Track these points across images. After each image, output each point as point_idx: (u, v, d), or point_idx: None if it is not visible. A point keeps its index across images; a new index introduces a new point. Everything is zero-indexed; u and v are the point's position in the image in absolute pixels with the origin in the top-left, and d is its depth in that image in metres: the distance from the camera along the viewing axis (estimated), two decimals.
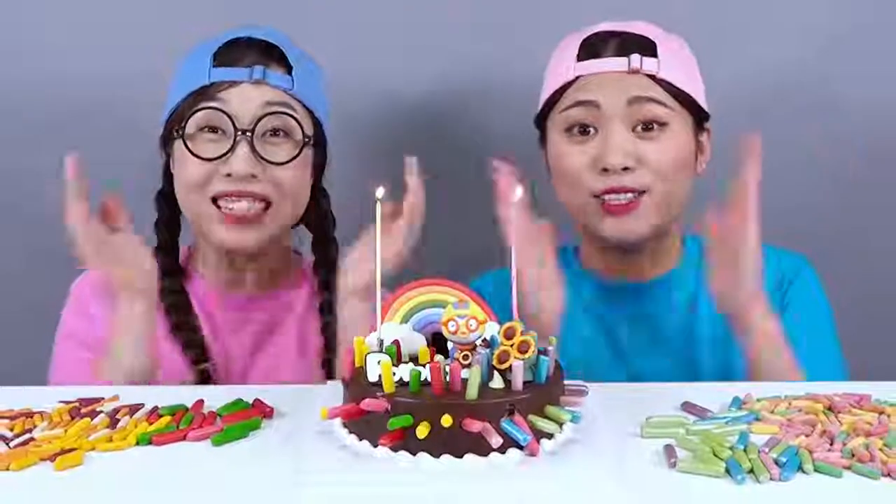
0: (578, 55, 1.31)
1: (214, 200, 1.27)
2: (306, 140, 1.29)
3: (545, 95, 1.35)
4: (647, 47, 1.29)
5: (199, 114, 1.26)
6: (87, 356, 1.26)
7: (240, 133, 1.25)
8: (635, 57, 1.28)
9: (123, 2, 1.66)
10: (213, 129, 1.27)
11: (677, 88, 1.30)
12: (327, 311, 1.33)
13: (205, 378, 1.29)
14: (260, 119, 1.26)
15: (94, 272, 1.28)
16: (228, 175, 1.26)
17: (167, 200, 1.35)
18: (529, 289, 1.14)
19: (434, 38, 1.65)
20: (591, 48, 1.31)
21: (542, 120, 1.36)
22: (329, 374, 1.30)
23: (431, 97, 1.68)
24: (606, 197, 1.28)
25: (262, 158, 1.26)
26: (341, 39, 1.61)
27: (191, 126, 1.27)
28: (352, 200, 1.17)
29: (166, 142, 1.33)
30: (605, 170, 1.27)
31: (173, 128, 1.29)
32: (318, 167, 1.35)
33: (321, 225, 1.38)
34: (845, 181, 1.66)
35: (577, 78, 1.30)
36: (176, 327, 1.31)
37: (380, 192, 0.95)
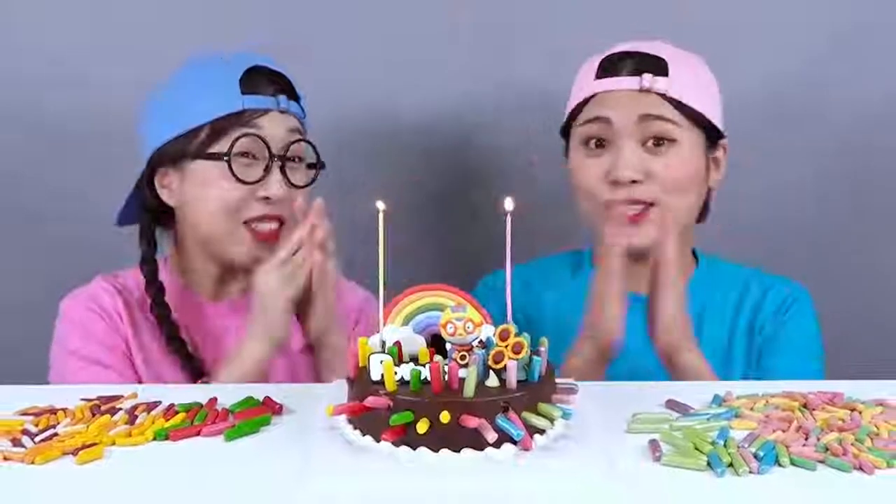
0: (597, 73, 1.32)
1: (246, 222, 1.28)
2: (321, 165, 1.31)
3: (568, 110, 1.37)
4: (660, 67, 1.30)
5: (241, 140, 1.26)
6: (98, 369, 1.26)
7: (274, 158, 1.26)
8: (647, 76, 1.29)
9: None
10: (245, 154, 1.27)
11: (688, 106, 1.30)
12: None
13: None
14: (289, 146, 1.28)
15: (82, 292, 1.31)
16: (266, 198, 1.26)
17: (151, 214, 1.34)
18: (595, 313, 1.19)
19: (432, 53, 1.65)
20: (608, 67, 1.32)
21: (566, 132, 1.38)
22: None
23: (429, 113, 1.68)
24: (617, 208, 1.29)
25: (290, 182, 1.27)
26: (338, 56, 1.61)
27: (231, 151, 1.26)
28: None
29: (169, 157, 1.30)
30: (616, 182, 1.28)
31: (192, 147, 1.27)
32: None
33: None
34: (830, 190, 1.66)
35: (595, 95, 1.32)
36: (168, 340, 1.30)
37: (380, 204, 0.95)
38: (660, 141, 1.29)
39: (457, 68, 1.64)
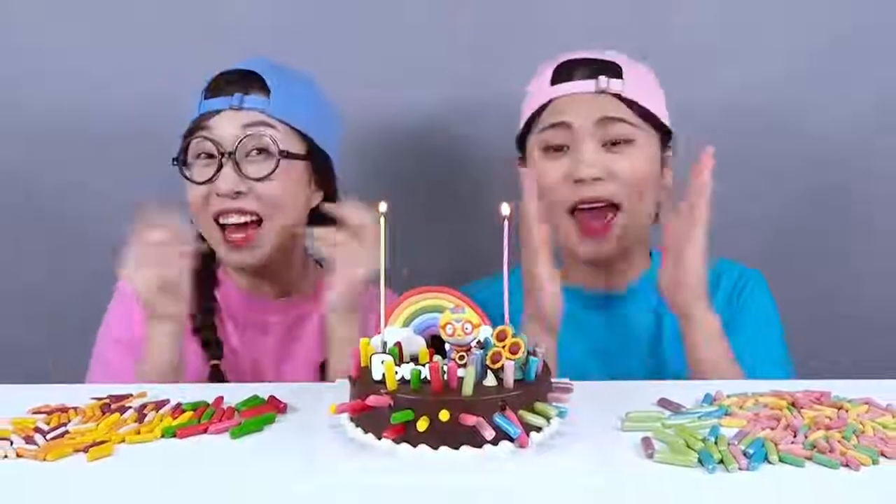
0: (552, 80, 1.32)
1: (216, 220, 1.28)
2: (281, 155, 1.29)
3: (523, 119, 1.35)
4: (615, 70, 1.30)
5: (192, 143, 1.29)
6: (131, 361, 1.25)
7: (224, 156, 1.27)
8: (602, 78, 1.29)
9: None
10: (209, 156, 1.29)
11: (642, 108, 1.30)
12: None
13: (216, 374, 1.30)
14: (241, 141, 1.27)
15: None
16: (218, 193, 1.27)
17: None
18: (530, 287, 1.18)
19: (430, 60, 1.65)
20: (563, 73, 1.32)
21: (522, 142, 1.37)
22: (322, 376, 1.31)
23: (429, 119, 1.68)
24: (581, 209, 1.28)
25: (245, 176, 1.27)
26: (340, 64, 1.61)
27: (190, 155, 1.29)
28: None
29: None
30: (578, 181, 1.27)
31: (178, 160, 1.31)
32: (322, 179, 1.35)
33: None
34: (807, 196, 1.66)
35: (551, 101, 1.31)
36: (196, 330, 1.31)
37: (382, 206, 0.95)
38: (616, 141, 1.29)
39: (454, 75, 1.64)
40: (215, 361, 1.30)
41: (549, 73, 1.33)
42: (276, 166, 1.28)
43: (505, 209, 0.92)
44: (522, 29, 1.64)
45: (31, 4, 1.64)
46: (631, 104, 1.30)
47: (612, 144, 1.29)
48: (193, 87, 1.33)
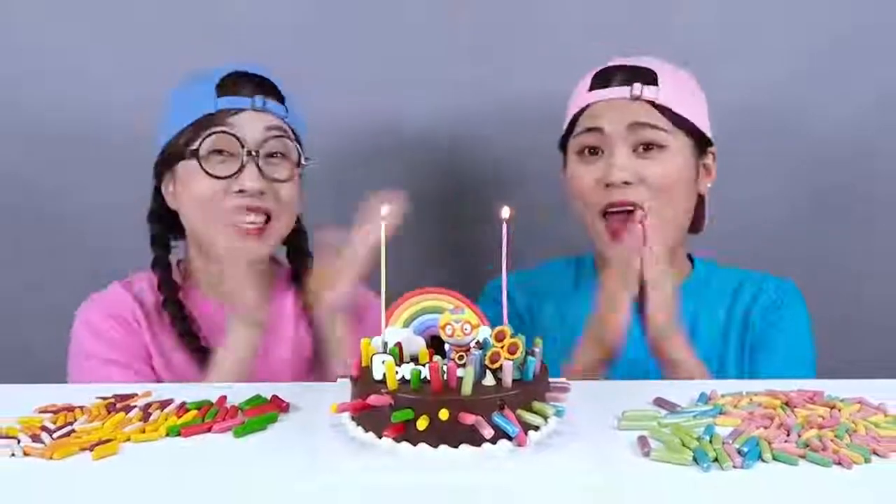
0: (590, 86, 1.33)
1: (226, 216, 1.28)
2: (304, 161, 1.31)
3: (565, 123, 1.37)
4: (650, 77, 1.31)
5: (211, 138, 1.27)
6: (115, 369, 1.26)
7: (248, 154, 1.27)
8: (637, 85, 1.30)
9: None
10: (220, 152, 1.28)
11: (677, 114, 1.30)
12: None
13: None
14: (265, 141, 1.28)
15: (100, 299, 1.31)
16: (241, 191, 1.27)
17: (159, 220, 1.35)
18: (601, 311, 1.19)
19: (431, 70, 1.65)
20: (601, 79, 1.33)
21: (564, 146, 1.38)
22: (316, 368, 1.32)
23: (428, 126, 1.68)
24: (612, 213, 1.29)
25: (268, 176, 1.27)
26: (340, 73, 1.61)
27: (203, 149, 1.27)
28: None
29: (165, 165, 1.32)
30: (609, 185, 1.28)
31: (178, 151, 1.29)
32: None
33: (296, 238, 1.38)
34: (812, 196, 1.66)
35: (588, 106, 1.32)
36: (181, 336, 1.31)
37: (384, 209, 0.95)
38: (648, 146, 1.29)
39: (456, 83, 1.64)
40: None
41: (588, 79, 1.34)
42: (300, 170, 1.31)
43: (505, 212, 0.92)
44: (522, 31, 1.64)
45: (31, 6, 1.64)
46: (664, 110, 1.30)
47: (645, 150, 1.29)
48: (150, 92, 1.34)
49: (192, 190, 1.29)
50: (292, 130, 1.32)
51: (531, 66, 1.63)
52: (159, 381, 1.28)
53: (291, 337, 1.36)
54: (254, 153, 1.27)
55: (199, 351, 1.30)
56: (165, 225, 1.36)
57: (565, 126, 1.37)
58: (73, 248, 1.64)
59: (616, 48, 1.37)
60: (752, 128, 1.64)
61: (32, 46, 1.64)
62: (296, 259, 1.40)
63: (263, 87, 1.31)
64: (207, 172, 1.27)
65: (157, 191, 1.35)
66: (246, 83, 1.30)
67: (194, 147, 1.27)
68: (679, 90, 1.32)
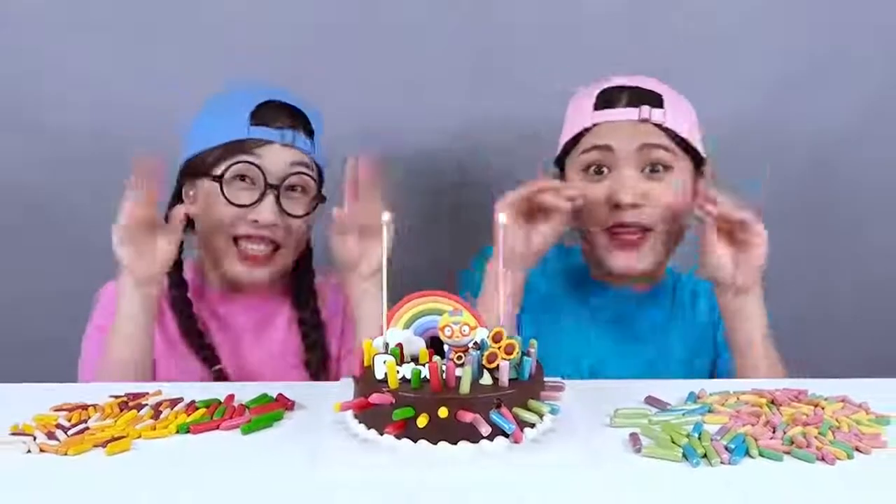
0: (595, 105, 1.32)
1: (235, 240, 1.29)
2: (323, 198, 1.31)
3: (565, 138, 1.35)
4: (656, 100, 1.30)
5: (237, 165, 1.27)
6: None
7: (269, 187, 1.27)
8: (645, 108, 1.29)
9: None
10: (243, 178, 1.28)
11: (680, 136, 1.30)
12: (308, 324, 1.36)
13: (220, 379, 1.29)
14: (287, 176, 1.28)
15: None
16: (255, 221, 1.27)
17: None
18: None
19: (434, 92, 1.65)
20: (607, 99, 1.31)
21: (561, 160, 1.37)
22: (312, 374, 1.33)
23: (430, 141, 1.68)
24: (617, 231, 1.29)
25: (284, 211, 1.28)
26: (351, 91, 1.61)
27: (228, 175, 1.27)
28: None
29: (189, 175, 1.32)
30: (618, 205, 1.28)
31: (203, 168, 1.29)
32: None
33: (302, 256, 1.38)
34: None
35: (595, 125, 1.31)
36: (186, 333, 1.32)
37: (385, 216, 0.96)
38: (655, 167, 1.29)
39: (455, 104, 1.64)
40: (217, 367, 1.30)
41: (591, 98, 1.32)
42: (315, 207, 1.31)
43: (501, 218, 0.92)
44: (526, 54, 1.64)
45: (38, 12, 1.63)
46: (669, 132, 1.30)
47: (651, 171, 1.29)
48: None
49: (210, 210, 1.29)
50: (316, 165, 1.32)
51: (532, 83, 1.63)
52: (155, 366, 1.29)
53: (280, 341, 1.36)
54: (275, 186, 1.27)
55: (200, 347, 1.31)
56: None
57: (565, 141, 1.35)
58: (93, 253, 1.64)
59: (618, 70, 1.36)
60: (739, 135, 1.64)
61: (39, 49, 1.63)
62: (299, 272, 1.39)
63: (295, 119, 1.30)
64: (228, 200, 1.27)
65: (176, 196, 1.34)
66: (279, 114, 1.29)
67: (219, 172, 1.27)
68: (679, 112, 1.32)
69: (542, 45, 1.64)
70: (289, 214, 1.28)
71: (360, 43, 1.64)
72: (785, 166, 1.67)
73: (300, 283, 1.38)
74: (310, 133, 1.32)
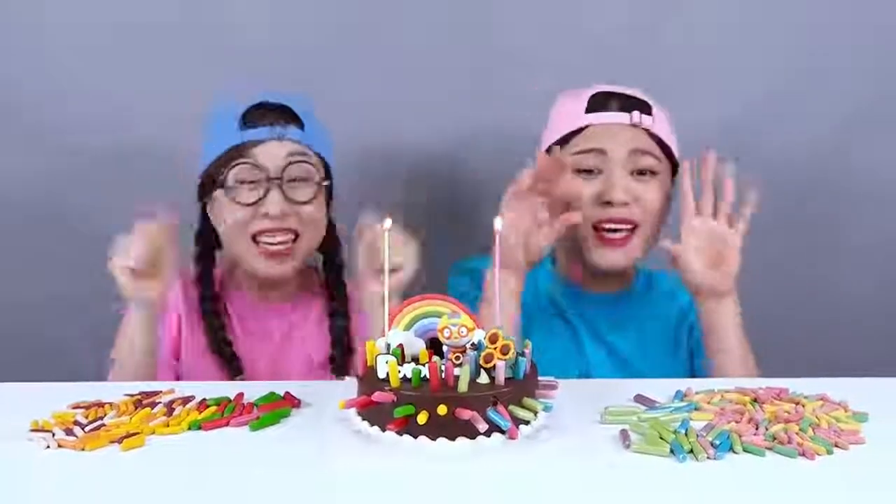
0: (587, 108, 1.32)
1: (254, 238, 1.29)
2: (323, 182, 1.32)
3: (554, 136, 1.34)
4: (645, 107, 1.31)
5: (235, 168, 1.28)
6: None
7: (271, 181, 1.28)
8: (636, 113, 1.30)
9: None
10: (253, 181, 1.29)
11: (664, 142, 1.32)
12: (338, 317, 1.36)
13: None
14: (285, 168, 1.28)
15: None
16: (266, 214, 1.28)
17: (203, 238, 1.37)
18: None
19: (430, 100, 1.64)
20: (598, 103, 1.32)
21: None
22: (335, 368, 1.33)
23: (427, 149, 1.68)
24: (605, 227, 1.30)
25: (290, 199, 1.28)
26: (350, 100, 1.61)
27: (231, 179, 1.28)
28: None
29: (205, 191, 1.33)
30: (608, 203, 1.28)
31: (211, 180, 1.30)
32: (329, 198, 1.36)
33: (331, 249, 1.39)
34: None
35: (588, 126, 1.31)
36: (213, 343, 1.32)
37: (387, 222, 0.96)
38: (643, 171, 1.30)
39: (448, 112, 1.64)
40: (240, 377, 1.30)
41: (582, 101, 1.33)
42: (319, 190, 1.31)
43: (498, 223, 0.93)
44: (520, 59, 1.64)
45: (52, 26, 1.62)
46: (655, 137, 1.31)
47: (639, 174, 1.30)
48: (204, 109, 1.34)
49: (225, 216, 1.30)
50: (316, 152, 1.32)
51: (526, 91, 1.62)
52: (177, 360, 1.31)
53: (312, 339, 1.37)
54: (276, 179, 1.28)
55: (226, 355, 1.32)
56: (208, 243, 1.37)
57: (553, 139, 1.34)
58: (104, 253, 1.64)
59: (615, 80, 1.36)
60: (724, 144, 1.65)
61: (38, 50, 1.63)
62: (330, 268, 1.40)
63: (283, 115, 1.31)
64: (233, 200, 1.28)
65: (203, 212, 1.36)
66: (267, 114, 1.30)
67: (220, 178, 1.29)
68: (662, 119, 1.33)
69: (541, 46, 1.64)
70: (295, 202, 1.29)
71: (359, 43, 1.64)
72: (772, 177, 1.66)
73: (330, 272, 1.39)
74: (300, 124, 1.32)
